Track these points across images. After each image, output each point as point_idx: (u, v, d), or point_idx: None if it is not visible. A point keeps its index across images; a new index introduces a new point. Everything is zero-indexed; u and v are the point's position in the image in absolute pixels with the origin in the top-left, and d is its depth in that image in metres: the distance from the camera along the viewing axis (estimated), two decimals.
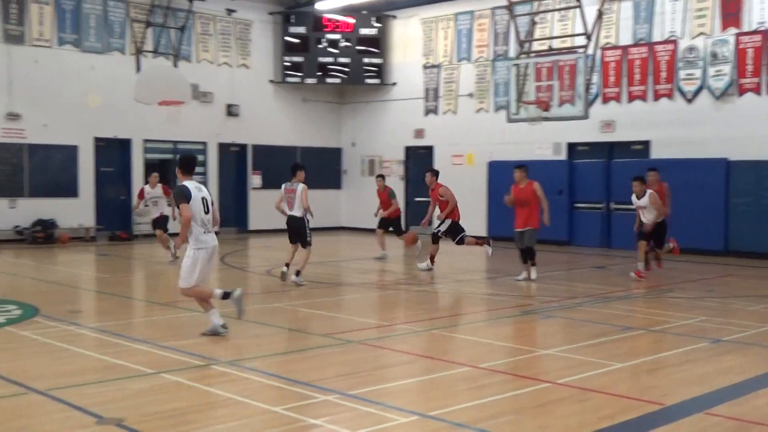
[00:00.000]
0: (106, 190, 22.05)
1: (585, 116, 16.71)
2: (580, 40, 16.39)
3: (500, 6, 21.59)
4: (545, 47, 19.10)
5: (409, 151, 25.05)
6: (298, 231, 13.25)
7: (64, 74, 20.92)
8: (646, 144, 19.72)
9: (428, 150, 24.33)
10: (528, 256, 13.72)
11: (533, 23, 18.77)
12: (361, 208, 25.77)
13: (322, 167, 26.17)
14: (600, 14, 16.14)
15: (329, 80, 25.24)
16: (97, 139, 21.68)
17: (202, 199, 8.94)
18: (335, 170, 26.68)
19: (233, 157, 24.54)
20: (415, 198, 24.79)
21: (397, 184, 25.13)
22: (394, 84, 25.13)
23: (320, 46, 24.93)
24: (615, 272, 15.16)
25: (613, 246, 19.87)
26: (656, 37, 19.37)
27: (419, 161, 24.70)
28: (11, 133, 20.25)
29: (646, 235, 13.99)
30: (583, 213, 20.58)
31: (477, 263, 16.89)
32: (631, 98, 19.86)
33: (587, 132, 20.23)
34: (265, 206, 24.33)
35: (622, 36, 19.95)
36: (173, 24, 21.27)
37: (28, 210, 20.47)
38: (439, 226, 15.43)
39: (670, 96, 19.20)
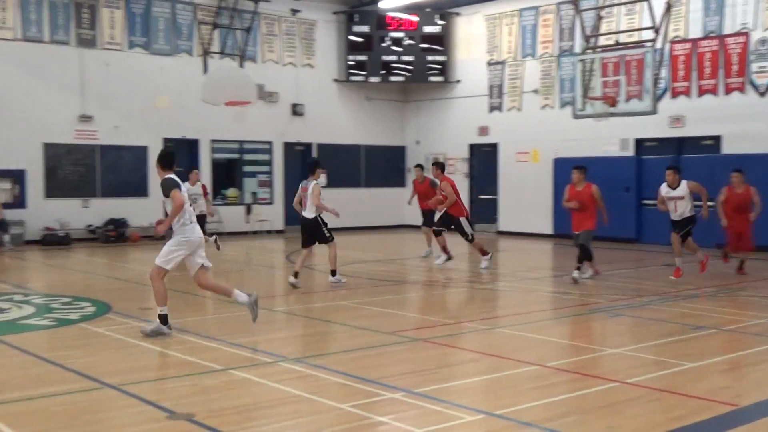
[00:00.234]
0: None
1: (653, 111, 16.42)
2: (648, 34, 16.11)
3: (565, 1, 21.38)
4: (612, 42, 18.81)
5: (473, 148, 24.93)
6: (311, 232, 12.69)
7: (134, 76, 21.39)
8: (716, 139, 19.28)
9: (492, 147, 24.19)
10: (582, 256, 13.18)
11: (599, 18, 18.51)
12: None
13: (386, 165, 26.29)
14: (668, 7, 15.83)
15: (393, 78, 25.28)
16: (166, 140, 22.10)
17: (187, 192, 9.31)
18: (399, 168, 26.71)
19: (298, 156, 24.76)
20: (480, 195, 24.70)
21: (461, 182, 25.06)
22: (458, 81, 25.05)
23: (384, 44, 25.00)
24: (684, 270, 14.83)
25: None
26: (727, 29, 18.92)
27: (483, 159, 24.59)
28: (84, 134, 20.80)
29: (680, 227, 13.43)
30: (651, 210, 20.17)
31: (542, 261, 16.73)
32: (701, 92, 19.43)
33: (655, 127, 19.87)
34: (330, 205, 24.52)
35: (692, 29, 19.53)
36: (239, 25, 21.56)
37: (100, 209, 20.99)
38: (463, 232, 15.03)
39: (741, 90, 18.74)
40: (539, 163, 22.71)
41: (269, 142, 24.09)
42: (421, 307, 11.31)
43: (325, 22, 24.96)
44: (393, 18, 24.95)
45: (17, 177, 19.99)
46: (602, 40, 18.62)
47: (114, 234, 20.62)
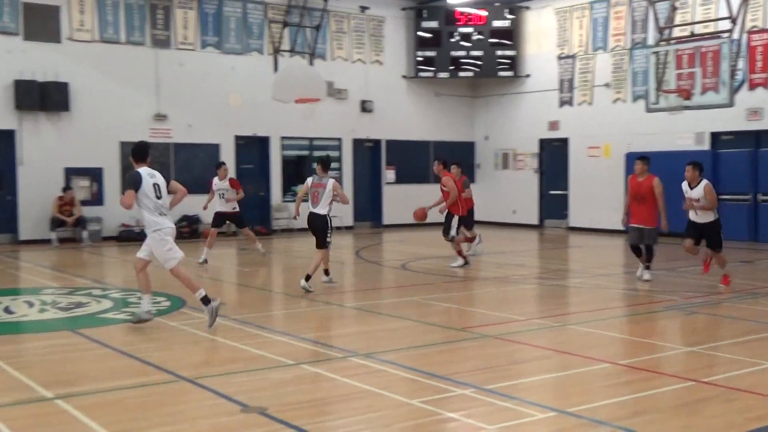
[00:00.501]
0: (246, 186, 22.77)
1: (730, 104, 15.99)
2: (725, 25, 15.70)
3: None
4: (686, 33, 18.38)
5: (544, 143, 24.67)
6: (318, 230, 12.14)
7: (207, 75, 21.78)
8: None
9: (563, 142, 23.90)
10: (646, 255, 12.67)
11: (673, 9, 18.10)
12: (495, 201, 25.60)
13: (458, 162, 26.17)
14: None
15: (462, 74, 25.18)
16: (238, 137, 22.45)
17: (154, 185, 9.23)
18: (468, 164, 26.57)
19: (367, 152, 24.86)
20: (550, 191, 24.44)
21: (531, 178, 24.86)
22: (528, 76, 24.81)
23: (453, 39, 24.91)
24: (763, 267, 14.43)
25: (760, 239, 18.97)
26: None
27: (554, 154, 24.31)
28: (159, 133, 21.26)
29: (695, 233, 12.07)
30: (727, 205, 19.67)
31: (613, 257, 16.47)
32: None
33: (732, 120, 19.35)
34: (398, 201, 24.59)
35: None
36: (309, 23, 21.74)
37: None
38: (448, 229, 14.70)
39: None
40: (611, 157, 22.35)
41: (338, 139, 24.25)
42: (491, 304, 11.24)
43: (393, 19, 24.99)
44: (462, 13, 24.84)
45: (95, 175, 20.56)
46: (676, 32, 18.20)
47: (187, 230, 21.02)
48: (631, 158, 21.24)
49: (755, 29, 19.02)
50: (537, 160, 24.81)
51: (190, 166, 21.63)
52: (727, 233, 19.04)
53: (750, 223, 19.40)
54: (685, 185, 12.01)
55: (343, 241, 21.09)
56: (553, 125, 24.13)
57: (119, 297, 11.39)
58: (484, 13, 24.76)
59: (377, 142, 24.95)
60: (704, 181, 11.93)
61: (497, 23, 24.84)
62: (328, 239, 12.09)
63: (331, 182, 12.07)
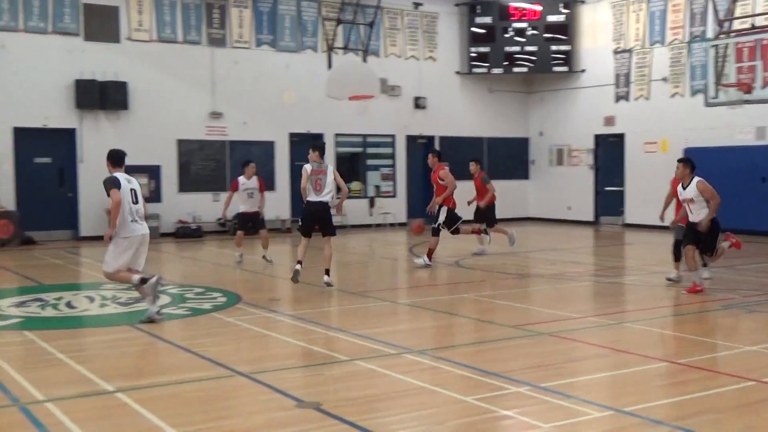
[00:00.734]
0: (300, 184, 22.92)
1: None
2: None
3: None
4: (747, 25, 17.99)
5: (599, 139, 24.37)
6: (324, 219, 11.85)
7: (262, 73, 21.99)
8: None
9: (619, 138, 23.57)
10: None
11: (733, 0, 17.72)
12: (549, 198, 25.41)
13: (509, 157, 26.06)
14: None
15: (516, 69, 25.00)
16: (292, 135, 22.63)
17: (131, 190, 9.37)
18: (522, 160, 26.42)
19: (420, 148, 24.84)
20: (605, 187, 24.14)
21: (586, 174, 24.59)
22: (583, 71, 24.53)
23: (506, 35, 24.74)
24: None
25: None
26: None
27: (609, 150, 24.00)
28: (214, 131, 21.54)
29: (694, 237, 10.99)
30: None
31: (670, 255, 16.17)
32: None
33: None
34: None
35: None
36: (362, 20, 21.80)
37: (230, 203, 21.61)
38: (437, 217, 14.37)
39: None
40: (669, 153, 21.97)
41: (392, 136, 24.28)
42: (545, 301, 11.16)
43: (447, 15, 24.92)
44: (516, 8, 24.65)
45: (153, 172, 20.91)
46: (737, 24, 17.83)
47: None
48: (689, 153, 20.88)
49: None
50: (592, 156, 24.53)
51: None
52: None
53: None
54: (680, 187, 11.13)
55: (396, 237, 21.12)
56: (609, 121, 23.83)
57: (176, 293, 11.57)
58: (538, 7, 24.54)
59: (430, 139, 24.91)
60: (696, 179, 10.90)
61: (552, 18, 24.60)
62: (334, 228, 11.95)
63: (331, 168, 12.04)
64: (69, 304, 10.70)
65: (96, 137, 20.08)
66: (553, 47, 24.72)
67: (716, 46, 16.34)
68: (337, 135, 23.37)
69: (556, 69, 24.87)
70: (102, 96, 19.83)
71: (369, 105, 20.96)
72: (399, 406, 6.19)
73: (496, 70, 25.02)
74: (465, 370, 7.07)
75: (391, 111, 23.85)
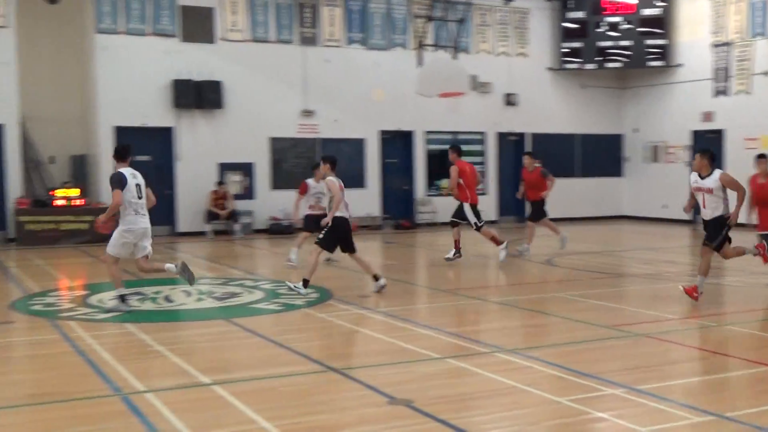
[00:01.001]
0: (391, 180, 23.10)
1: None
2: None
3: None
4: None
5: (696, 135, 23.65)
6: (349, 235, 11.53)
7: (352, 71, 22.14)
8: None
9: (717, 134, 22.83)
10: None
11: None
12: (644, 196, 24.83)
13: (602, 155, 25.58)
14: None
15: (609, 65, 24.49)
16: (382, 132, 22.73)
17: (136, 185, 9.82)
18: (616, 158, 25.87)
19: (511, 146, 24.60)
20: None
21: (683, 171, 23.91)
22: (680, 65, 23.84)
23: (599, 30, 24.27)
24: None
25: None
26: None
27: (707, 146, 23.25)
28: (306, 128, 21.82)
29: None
30: None
31: None
32: None
33: None
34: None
35: None
36: (452, 17, 21.73)
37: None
38: (463, 218, 14.37)
39: None
40: None
41: (482, 133, 24.12)
42: (641, 301, 10.89)
43: (538, 10, 24.60)
44: (610, 2, 24.15)
45: (247, 170, 21.32)
46: None
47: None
48: None
49: None
50: (689, 152, 23.83)
51: (337, 160, 22.02)
52: None
53: None
54: (694, 176, 10.46)
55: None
56: (707, 116, 23.10)
57: (270, 288, 11.76)
58: (633, 1, 23.98)
59: (521, 136, 24.66)
60: (717, 171, 10.26)
61: (647, 11, 23.99)
62: (319, 236, 11.30)
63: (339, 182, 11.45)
64: (167, 298, 11.00)
65: (192, 136, 20.61)
66: (649, 41, 24.12)
67: None
68: (427, 132, 23.36)
69: (652, 64, 24.24)
70: (198, 95, 20.33)
71: (459, 102, 20.87)
72: (491, 405, 6.14)
73: (588, 66, 24.57)
74: (558, 371, 6.97)
75: (481, 108, 23.70)
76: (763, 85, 21.46)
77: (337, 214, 11.16)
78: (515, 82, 24.27)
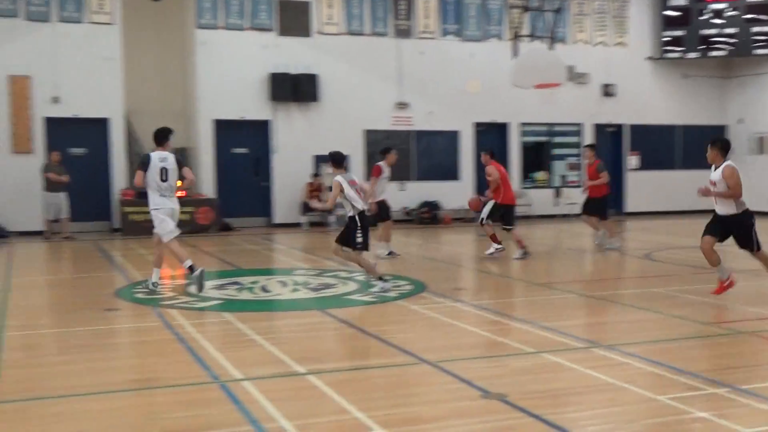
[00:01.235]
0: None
1: None
2: None
3: None
4: None
5: None
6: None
7: (447, 63, 22.08)
8: None
9: None
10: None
11: None
12: (749, 189, 23.80)
13: (705, 147, 24.74)
14: None
15: (713, 53, 23.72)
16: (477, 124, 22.59)
17: (162, 168, 10.25)
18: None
19: (609, 137, 24.12)
20: None
21: None
22: None
23: (702, 17, 23.51)
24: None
25: None
26: None
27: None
28: (401, 121, 21.88)
29: (713, 229, 10.06)
30: None
31: None
32: None
33: None
34: (643, 188, 23.68)
35: None
36: (549, 7, 21.39)
37: (415, 192, 21.95)
38: (482, 211, 14.18)
39: None
40: None
41: (579, 124, 23.71)
42: (745, 298, 10.49)
43: None
44: None
45: None
46: None
47: (428, 216, 21.48)
48: None
49: None
50: None
51: (430, 152, 22.06)
52: None
53: None
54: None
55: (582, 228, 20.60)
56: None
57: (363, 280, 11.84)
58: None
59: (619, 127, 24.13)
60: (726, 162, 9.93)
61: None
62: (357, 240, 10.50)
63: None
64: (263, 288, 11.21)
65: (288, 128, 20.93)
66: (755, 29, 23.23)
67: None
68: (522, 124, 23.11)
69: (758, 52, 23.34)
70: (294, 88, 20.63)
71: (555, 93, 20.55)
72: (587, 401, 6.03)
73: (691, 55, 23.85)
74: (656, 368, 6.79)
75: (578, 99, 23.30)
76: None
77: (360, 208, 10.49)
78: (613, 72, 23.75)
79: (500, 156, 23.10)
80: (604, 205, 15.57)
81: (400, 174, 21.81)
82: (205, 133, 20.36)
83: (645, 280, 12.18)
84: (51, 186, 18.18)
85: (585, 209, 15.67)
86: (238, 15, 20.46)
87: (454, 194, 21.79)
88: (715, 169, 10.05)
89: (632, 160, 24.33)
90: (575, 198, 23.30)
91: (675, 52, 24.03)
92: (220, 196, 20.35)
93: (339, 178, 10.56)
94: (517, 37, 20.64)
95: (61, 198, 18.20)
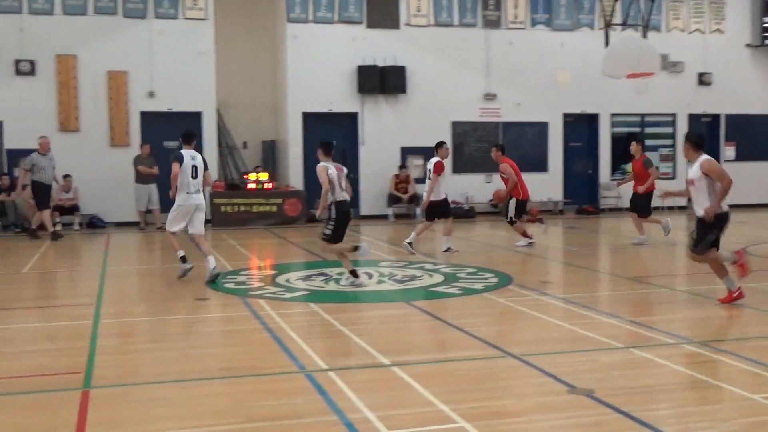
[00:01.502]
0: (574, 164, 22.58)
1: None
2: None
3: None
4: None
5: None
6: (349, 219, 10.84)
7: (536, 53, 21.78)
8: None
9: None
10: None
11: None
12: None
13: None
14: None
15: None
16: (566, 115, 22.23)
17: (193, 166, 10.94)
18: None
19: (704, 127, 23.38)
20: None
21: None
22: None
23: None
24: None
25: None
26: None
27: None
28: (488, 112, 21.71)
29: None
30: None
31: None
32: None
33: None
34: (740, 180, 22.74)
35: None
36: None
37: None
38: (507, 211, 14.49)
39: None
40: None
41: (673, 114, 23.08)
42: None
43: None
44: None
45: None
46: None
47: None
48: None
49: None
50: None
51: (518, 144, 21.81)
52: None
53: None
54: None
55: (675, 221, 20.08)
56: None
57: (449, 272, 11.81)
58: None
59: (716, 117, 23.38)
60: (703, 157, 8.99)
61: None
62: (326, 231, 10.49)
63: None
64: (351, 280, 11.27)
65: (376, 121, 21.01)
66: None
67: None
68: (614, 115, 22.64)
69: None
70: (382, 81, 20.69)
71: (648, 83, 20.03)
72: (677, 399, 5.88)
73: None
74: (752, 366, 6.56)
75: (672, 88, 22.66)
76: None
77: (339, 198, 10.32)
78: (710, 60, 23.02)
79: (589, 147, 22.76)
80: (649, 201, 15.07)
81: (487, 166, 21.67)
82: (293, 126, 20.62)
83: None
84: (142, 178, 18.73)
85: (633, 207, 15.21)
86: (328, 8, 20.63)
87: (542, 186, 21.49)
88: (691, 166, 9.24)
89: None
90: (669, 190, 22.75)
91: None
92: (307, 188, 20.59)
93: (324, 163, 10.29)
94: (609, 25, 20.22)
95: (152, 189, 18.74)
